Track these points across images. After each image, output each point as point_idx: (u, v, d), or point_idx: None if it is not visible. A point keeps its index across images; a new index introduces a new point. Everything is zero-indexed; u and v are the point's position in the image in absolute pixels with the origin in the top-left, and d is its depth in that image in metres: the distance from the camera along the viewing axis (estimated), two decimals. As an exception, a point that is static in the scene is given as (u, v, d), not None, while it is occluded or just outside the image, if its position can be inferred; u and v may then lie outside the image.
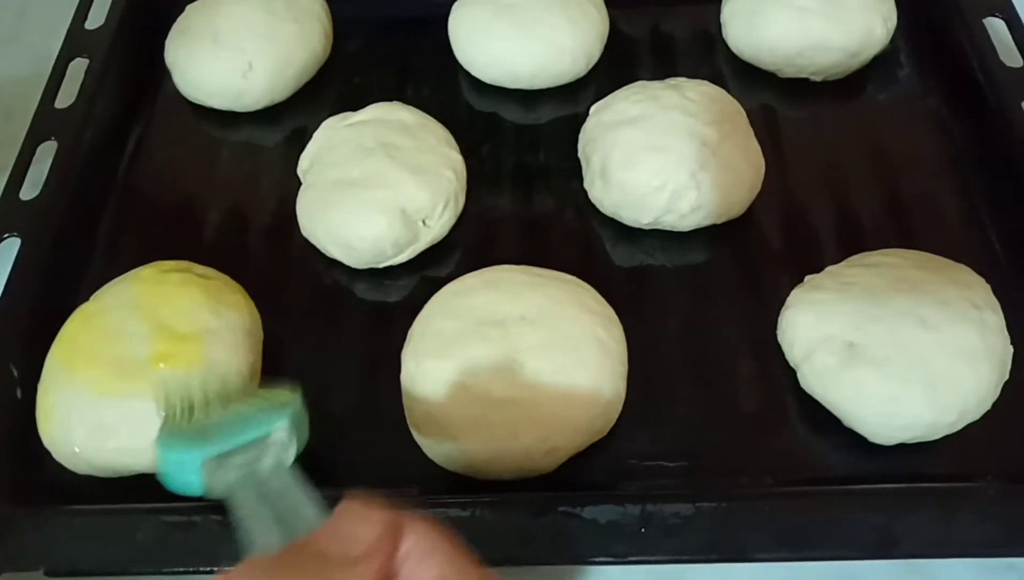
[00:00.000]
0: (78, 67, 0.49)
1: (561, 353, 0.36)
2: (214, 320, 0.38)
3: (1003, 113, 0.44)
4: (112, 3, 0.52)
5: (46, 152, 0.46)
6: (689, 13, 0.54)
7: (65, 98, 0.48)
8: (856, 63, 0.49)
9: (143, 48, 0.52)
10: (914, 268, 0.37)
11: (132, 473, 0.36)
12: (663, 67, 0.51)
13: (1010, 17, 0.47)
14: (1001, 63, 0.46)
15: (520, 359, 0.36)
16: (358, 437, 0.39)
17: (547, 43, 0.48)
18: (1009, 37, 0.47)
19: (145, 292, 0.39)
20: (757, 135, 0.45)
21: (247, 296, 0.41)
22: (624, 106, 0.44)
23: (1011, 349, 0.36)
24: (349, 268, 0.43)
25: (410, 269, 0.44)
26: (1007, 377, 0.36)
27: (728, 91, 0.46)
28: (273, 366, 0.40)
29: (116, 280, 0.40)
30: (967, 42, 0.47)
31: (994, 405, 0.36)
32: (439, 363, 0.36)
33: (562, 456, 0.36)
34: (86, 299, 0.40)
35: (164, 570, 0.34)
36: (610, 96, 0.46)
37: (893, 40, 0.50)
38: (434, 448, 0.36)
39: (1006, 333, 0.36)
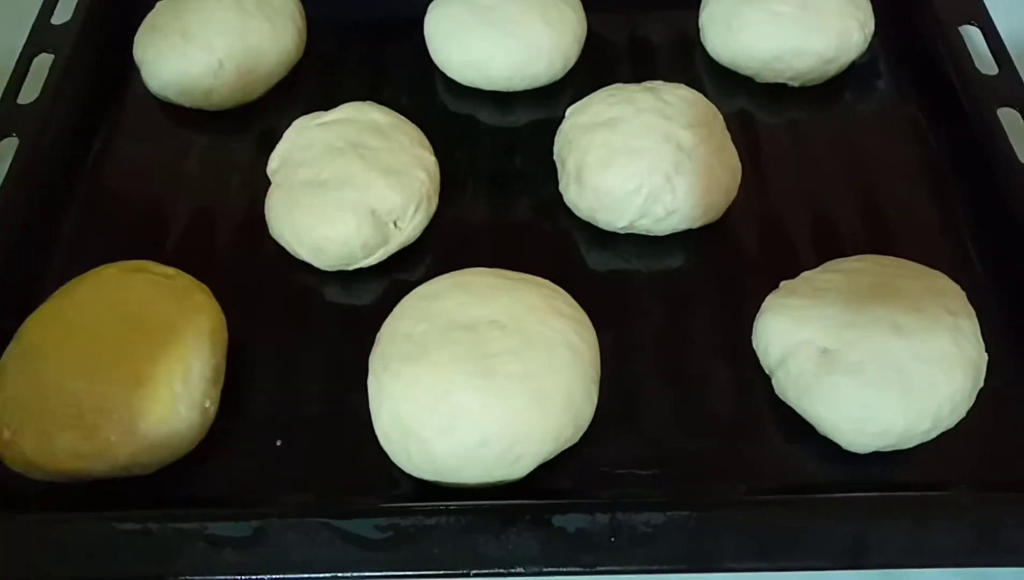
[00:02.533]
0: (43, 62, 0.48)
1: (532, 358, 0.35)
2: (177, 321, 0.37)
3: (979, 120, 0.44)
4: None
5: (7, 148, 0.45)
6: (667, 17, 0.54)
7: (28, 94, 0.47)
8: (833, 68, 0.49)
9: (111, 44, 0.51)
10: (889, 275, 0.37)
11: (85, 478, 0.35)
12: (641, 70, 0.51)
13: (986, 25, 0.47)
14: (977, 70, 0.46)
15: (490, 364, 0.35)
16: (325, 442, 0.38)
17: (524, 44, 0.48)
18: (985, 45, 0.47)
19: (107, 291, 0.38)
20: (734, 140, 0.45)
21: (212, 297, 0.40)
22: (600, 108, 0.44)
23: (986, 356, 0.36)
24: (318, 270, 0.43)
25: (380, 272, 0.43)
26: (982, 384, 0.36)
27: (706, 94, 0.46)
28: (239, 368, 0.39)
29: (77, 279, 0.39)
30: (944, 49, 0.47)
31: (969, 413, 0.36)
32: (406, 367, 0.35)
33: (531, 463, 0.35)
34: (46, 298, 0.38)
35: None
36: (586, 98, 0.45)
37: (870, 46, 0.50)
38: (401, 454, 0.35)
39: (981, 340, 0.36)
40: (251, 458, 0.37)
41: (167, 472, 0.36)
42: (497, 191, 0.47)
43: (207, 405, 0.37)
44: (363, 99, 0.47)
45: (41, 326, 0.37)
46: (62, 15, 0.50)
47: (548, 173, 0.46)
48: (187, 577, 0.32)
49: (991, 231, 0.42)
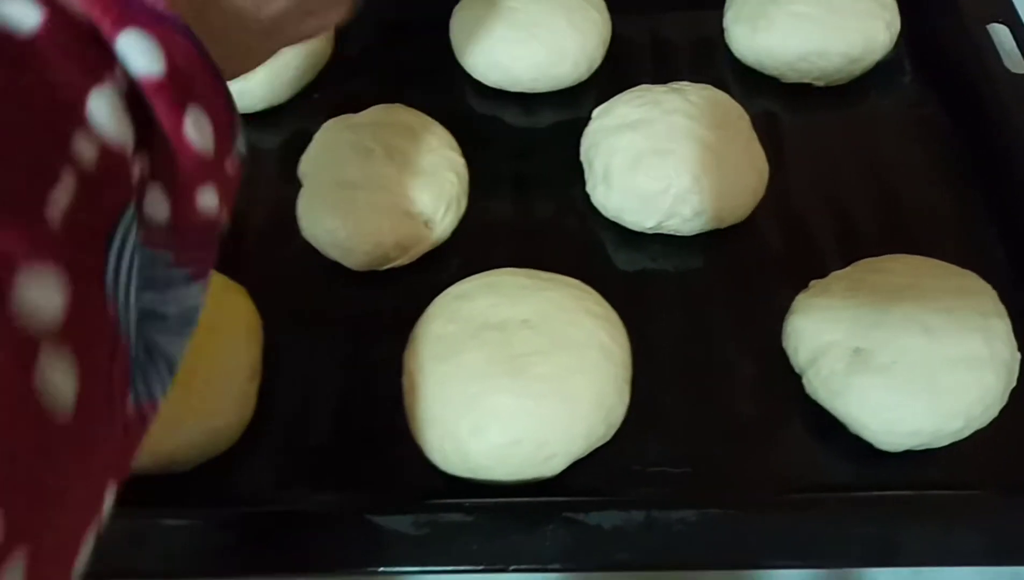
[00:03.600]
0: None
1: (563, 358, 0.35)
2: (215, 320, 0.38)
3: (1007, 119, 0.44)
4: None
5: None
6: (691, 18, 0.54)
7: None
8: (859, 68, 0.49)
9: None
10: (920, 275, 0.37)
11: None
12: (665, 72, 0.51)
13: (1013, 23, 0.47)
14: (1005, 69, 0.46)
15: (521, 364, 0.35)
16: (360, 439, 0.38)
17: (548, 47, 0.48)
18: (1013, 43, 0.47)
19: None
20: (760, 140, 0.45)
21: (248, 297, 0.40)
22: (626, 110, 0.44)
23: (1019, 356, 0.36)
24: (350, 270, 0.43)
25: (411, 271, 0.43)
26: (1014, 384, 0.36)
27: (731, 94, 0.46)
28: (274, 367, 0.40)
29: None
30: (970, 48, 0.47)
31: (1002, 411, 0.36)
32: (440, 367, 0.36)
33: (564, 462, 0.35)
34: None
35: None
36: (612, 100, 0.46)
37: (896, 46, 0.50)
38: (435, 451, 0.36)
39: (1013, 340, 0.36)
40: (287, 455, 0.38)
41: (205, 469, 0.37)
42: (524, 191, 0.47)
43: (243, 405, 0.38)
44: (391, 100, 0.47)
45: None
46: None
47: (574, 173, 0.46)
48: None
49: (1020, 231, 0.42)
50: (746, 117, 0.45)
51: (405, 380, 0.37)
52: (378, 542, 0.33)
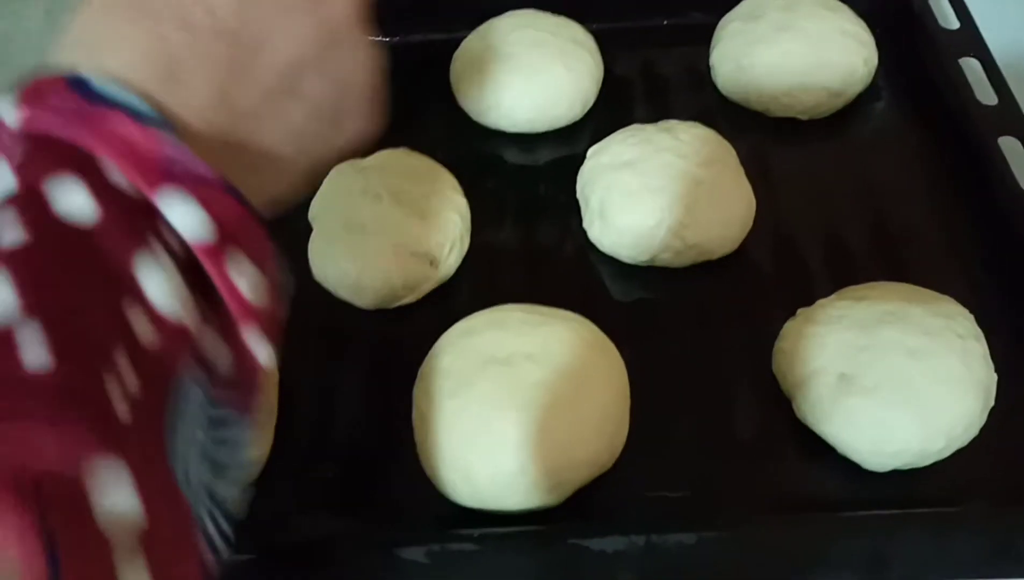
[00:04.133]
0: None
1: (566, 389, 0.37)
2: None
3: (981, 149, 0.46)
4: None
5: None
6: (680, 55, 0.57)
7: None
8: (840, 102, 0.51)
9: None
10: (900, 301, 0.39)
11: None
12: (656, 108, 0.54)
13: (984, 57, 0.49)
14: (977, 101, 0.48)
15: (526, 396, 0.37)
16: (372, 472, 0.40)
17: (545, 89, 0.51)
18: (984, 76, 0.49)
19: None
20: (748, 172, 0.47)
21: (262, 339, 0.42)
22: (620, 149, 0.46)
23: (995, 376, 0.38)
24: (360, 309, 0.45)
25: (419, 308, 0.45)
26: (992, 403, 0.38)
27: (719, 130, 0.48)
28: (288, 406, 0.42)
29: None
30: (944, 81, 0.50)
31: (981, 431, 0.38)
32: (449, 401, 0.38)
33: (569, 489, 0.37)
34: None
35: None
36: (606, 139, 0.48)
37: (874, 79, 0.52)
38: (445, 482, 0.38)
39: (990, 361, 0.38)
40: (300, 488, 0.40)
41: (227, 504, 0.39)
42: (524, 227, 0.49)
43: (261, 440, 0.40)
44: (395, 142, 0.49)
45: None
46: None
47: (571, 209, 0.49)
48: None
49: (997, 256, 0.44)
50: (733, 152, 0.47)
51: (415, 414, 0.39)
52: (390, 571, 0.35)
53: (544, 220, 0.49)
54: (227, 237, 0.22)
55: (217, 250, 0.22)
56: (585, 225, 0.47)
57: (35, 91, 0.22)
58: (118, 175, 0.21)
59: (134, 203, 0.21)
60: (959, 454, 0.37)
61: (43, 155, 0.21)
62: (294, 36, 0.25)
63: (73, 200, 0.20)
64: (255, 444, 0.25)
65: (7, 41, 0.62)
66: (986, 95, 0.48)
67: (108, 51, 0.23)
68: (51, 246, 0.20)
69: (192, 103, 0.23)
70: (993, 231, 0.45)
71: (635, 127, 0.48)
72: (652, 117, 0.50)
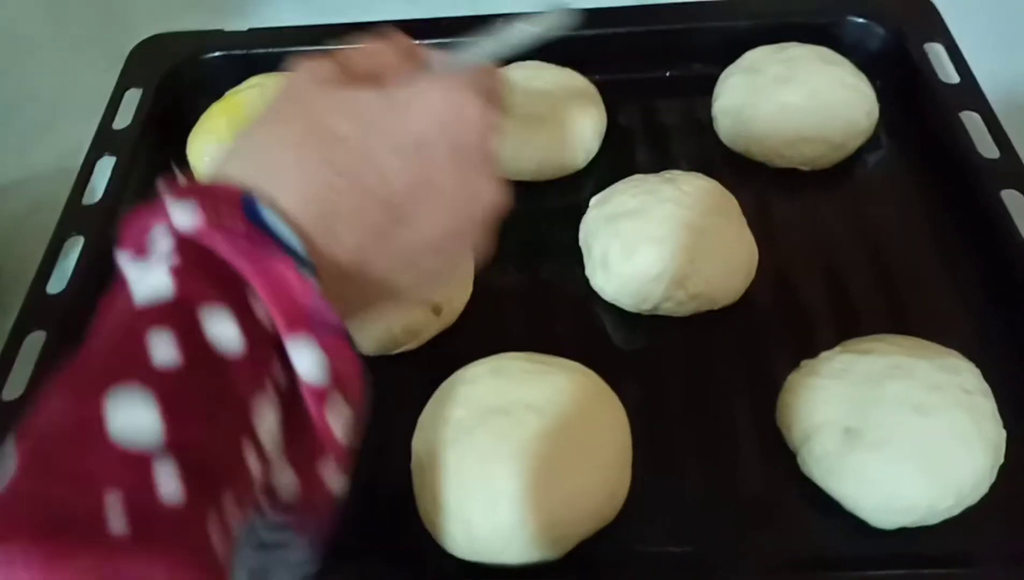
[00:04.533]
0: (106, 164, 0.52)
1: (566, 441, 0.37)
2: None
3: (984, 202, 0.46)
4: (139, 104, 0.55)
5: (72, 246, 0.48)
6: (682, 105, 0.57)
7: (92, 194, 0.50)
8: (841, 154, 0.52)
9: (166, 147, 0.55)
10: (905, 354, 0.39)
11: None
12: (659, 158, 0.54)
13: (985, 111, 0.50)
14: (979, 154, 0.48)
15: (527, 447, 0.37)
16: (369, 522, 0.39)
17: (548, 140, 0.51)
18: (985, 129, 0.49)
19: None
20: (750, 222, 0.47)
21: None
22: (623, 199, 0.46)
23: (1004, 433, 0.37)
24: (362, 355, 0.45)
25: (421, 354, 0.45)
26: (1002, 460, 0.37)
27: (721, 180, 0.48)
28: (286, 453, 0.41)
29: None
30: (945, 134, 0.50)
31: (991, 489, 0.37)
32: (448, 451, 0.37)
33: (570, 543, 0.36)
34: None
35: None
36: (609, 189, 0.48)
37: (876, 132, 0.53)
38: (444, 534, 0.37)
39: (998, 417, 0.38)
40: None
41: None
42: (528, 274, 0.49)
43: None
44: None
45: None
46: (123, 120, 0.55)
47: (574, 257, 0.49)
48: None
49: (1002, 309, 0.44)
50: (735, 203, 0.47)
51: (414, 464, 0.39)
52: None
53: (547, 268, 0.49)
54: (336, 382, 0.23)
55: (325, 392, 0.23)
56: (588, 273, 0.47)
57: (213, 203, 0.23)
58: (263, 310, 0.22)
59: (268, 338, 0.22)
60: (968, 512, 0.37)
61: (202, 272, 0.22)
62: (441, 223, 0.27)
63: (224, 329, 0.21)
64: (312, 562, 0.26)
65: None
66: (987, 148, 0.48)
67: (281, 180, 0.24)
68: (198, 373, 0.21)
69: (336, 253, 0.24)
70: (997, 284, 0.45)
71: (638, 177, 0.48)
72: (655, 167, 0.50)
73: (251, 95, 0.53)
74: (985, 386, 0.38)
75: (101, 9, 0.72)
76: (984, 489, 0.36)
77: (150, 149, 0.54)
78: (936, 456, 0.36)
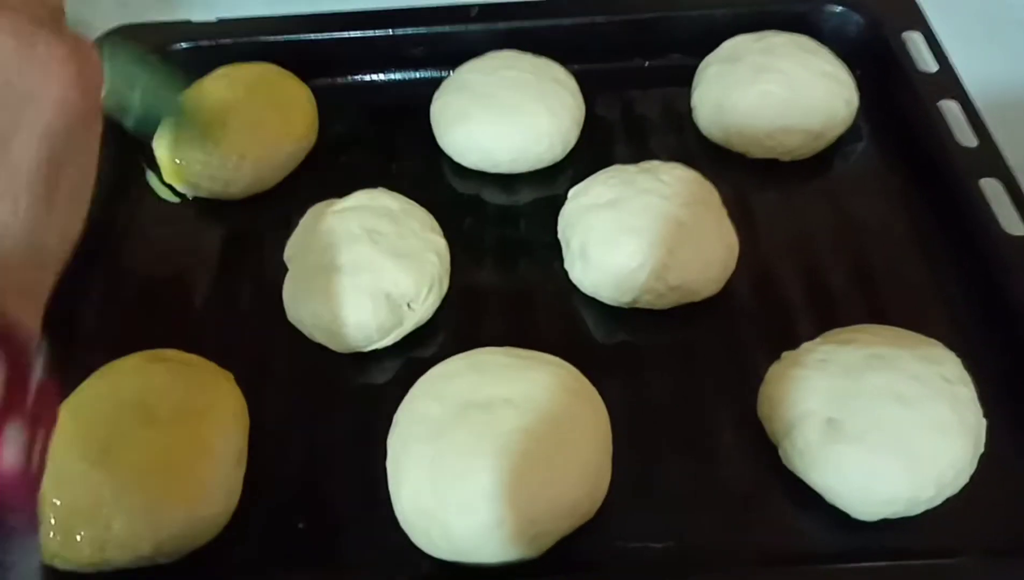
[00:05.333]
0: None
1: (545, 436, 0.36)
2: (200, 408, 0.38)
3: (962, 191, 0.46)
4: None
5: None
6: (661, 96, 0.57)
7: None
8: (821, 144, 0.51)
9: (132, 141, 0.53)
10: (886, 345, 0.39)
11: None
12: (638, 149, 0.53)
13: (963, 100, 0.50)
14: (957, 143, 0.48)
15: (505, 443, 0.36)
16: (345, 521, 0.38)
17: (524, 131, 0.50)
18: (963, 118, 0.49)
19: (128, 382, 0.39)
20: (730, 214, 0.47)
21: (234, 383, 0.41)
22: (601, 190, 0.46)
23: (984, 422, 0.37)
24: (335, 352, 0.44)
25: (395, 352, 0.44)
26: (983, 449, 0.37)
27: (701, 171, 0.48)
28: (260, 452, 0.40)
29: (99, 371, 0.40)
30: (924, 124, 0.50)
31: (972, 478, 0.37)
32: (424, 449, 0.37)
33: (549, 541, 0.36)
34: (68, 391, 0.39)
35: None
36: (587, 180, 0.47)
37: (855, 121, 0.52)
38: (420, 536, 0.36)
39: (978, 406, 0.37)
40: (274, 541, 0.38)
41: (191, 559, 0.37)
42: (505, 268, 0.48)
43: (230, 492, 0.38)
44: (375, 182, 0.49)
45: (63, 421, 0.38)
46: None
47: (553, 250, 0.48)
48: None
49: (981, 297, 0.44)
50: (715, 193, 0.47)
51: (390, 462, 0.38)
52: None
53: (525, 261, 0.49)
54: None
55: None
56: (567, 266, 0.46)
57: None
58: None
59: None
60: (950, 502, 0.36)
61: None
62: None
63: None
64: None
65: None
66: (966, 137, 0.48)
67: None
68: None
69: None
70: (976, 272, 0.45)
71: (616, 168, 0.48)
72: (633, 157, 0.49)
73: (218, 85, 0.52)
74: (965, 375, 0.38)
75: None
76: (965, 478, 0.36)
77: (115, 143, 0.53)
78: (917, 447, 0.35)
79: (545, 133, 0.51)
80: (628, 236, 0.43)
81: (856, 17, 0.56)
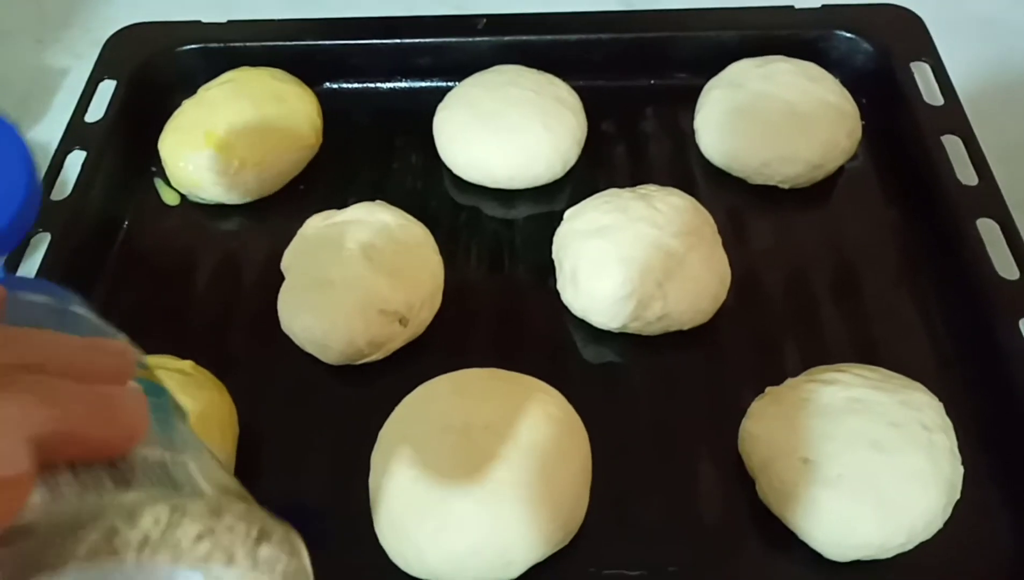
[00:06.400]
0: (76, 159, 0.51)
1: (523, 464, 0.37)
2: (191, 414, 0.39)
3: (959, 230, 0.46)
4: (112, 96, 0.54)
5: (40, 242, 0.48)
6: (664, 115, 0.57)
7: (60, 190, 0.50)
8: (821, 173, 0.51)
9: (138, 142, 0.54)
10: (869, 387, 0.39)
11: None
12: (638, 168, 0.54)
13: (966, 135, 0.49)
14: (957, 180, 0.48)
15: (482, 468, 0.37)
16: (326, 537, 0.39)
17: (524, 149, 0.51)
18: (965, 154, 0.49)
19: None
20: (725, 239, 0.47)
21: (225, 393, 0.42)
22: (595, 215, 0.46)
23: (961, 470, 0.37)
24: (327, 364, 0.45)
25: (386, 367, 0.45)
26: (958, 497, 0.37)
27: (699, 193, 0.48)
28: (248, 461, 0.41)
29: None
30: (925, 158, 0.49)
31: (947, 523, 0.37)
32: (403, 469, 0.37)
33: (522, 567, 0.36)
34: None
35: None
36: (582, 203, 0.48)
37: (857, 152, 0.52)
38: (396, 555, 0.37)
39: (957, 454, 0.38)
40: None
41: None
42: (499, 284, 0.49)
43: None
44: (375, 191, 0.49)
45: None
46: (95, 113, 0.54)
47: (546, 267, 0.48)
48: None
49: (969, 340, 0.44)
50: (711, 222, 0.47)
51: (372, 480, 0.39)
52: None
53: (519, 278, 0.49)
54: None
55: None
56: (559, 287, 0.47)
57: None
58: None
59: None
60: (924, 546, 0.37)
61: None
62: None
63: None
64: None
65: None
66: (967, 175, 0.48)
67: None
68: None
69: None
70: (966, 314, 0.45)
71: (612, 192, 0.48)
72: (634, 178, 0.49)
73: (223, 91, 0.52)
74: (946, 422, 0.38)
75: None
76: (938, 526, 0.36)
77: (122, 144, 0.53)
78: (890, 496, 0.36)
79: (544, 153, 0.51)
80: (618, 265, 0.44)
81: (865, 45, 0.55)
